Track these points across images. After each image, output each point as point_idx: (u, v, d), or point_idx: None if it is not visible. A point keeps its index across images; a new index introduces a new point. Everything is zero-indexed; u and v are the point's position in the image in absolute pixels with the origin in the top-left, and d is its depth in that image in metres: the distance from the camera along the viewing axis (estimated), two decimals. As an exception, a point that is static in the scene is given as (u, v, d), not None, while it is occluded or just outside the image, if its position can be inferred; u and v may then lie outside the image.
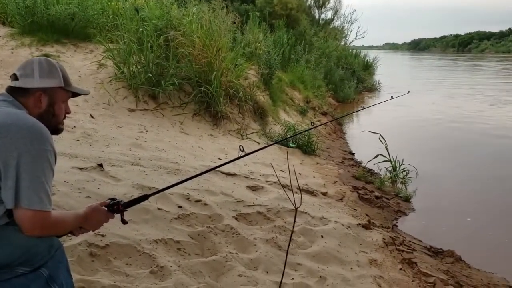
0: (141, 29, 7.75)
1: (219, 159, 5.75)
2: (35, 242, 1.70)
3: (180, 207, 3.67)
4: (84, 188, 3.58)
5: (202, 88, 7.51)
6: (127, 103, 6.91)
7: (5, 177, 1.61)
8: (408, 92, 6.02)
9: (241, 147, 2.51)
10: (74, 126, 5.47)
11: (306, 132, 7.39)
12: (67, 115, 1.95)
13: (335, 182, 6.12)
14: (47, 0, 8.41)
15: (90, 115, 6.18)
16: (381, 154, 7.21)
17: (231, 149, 6.40)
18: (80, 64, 7.62)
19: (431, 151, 9.38)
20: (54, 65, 1.85)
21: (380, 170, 7.20)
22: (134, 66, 7.30)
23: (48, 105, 1.83)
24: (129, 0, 9.71)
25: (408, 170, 6.99)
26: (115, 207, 1.98)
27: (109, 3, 9.56)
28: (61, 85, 1.85)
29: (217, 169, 4.93)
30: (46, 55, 7.15)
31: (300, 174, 6.04)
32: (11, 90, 1.81)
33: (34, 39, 8.09)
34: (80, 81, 6.88)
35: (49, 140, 1.72)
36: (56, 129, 1.89)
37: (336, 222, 4.27)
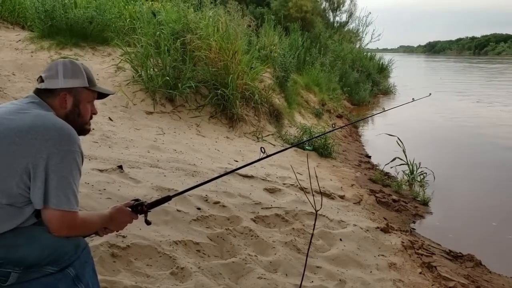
0: (158, 33, 7.82)
1: (236, 161, 5.76)
2: (62, 242, 1.72)
3: (199, 208, 3.69)
4: (104, 189, 3.61)
5: (219, 91, 7.54)
6: (145, 106, 6.98)
7: (34, 178, 1.64)
8: (430, 94, 5.96)
9: (262, 149, 2.52)
10: (93, 128, 5.52)
11: (323, 134, 7.37)
12: (93, 115, 1.99)
13: (352, 185, 6.09)
14: (66, 4, 8.53)
15: (109, 117, 6.25)
16: (398, 157, 7.15)
17: (247, 151, 6.42)
18: (98, 67, 7.70)
19: (448, 153, 9.28)
20: (78, 66, 1.89)
21: (397, 173, 7.14)
22: (151, 69, 7.37)
23: (73, 105, 1.86)
24: (146, 4, 9.82)
25: (425, 173, 6.92)
26: (139, 208, 2.00)
27: (126, 7, 9.67)
28: (85, 85, 1.89)
29: (235, 171, 4.96)
30: (65, 58, 7.25)
31: (317, 177, 6.02)
32: (38, 92, 1.84)
33: (53, 42, 8.21)
34: (98, 84, 6.95)
35: (76, 141, 1.75)
36: (83, 129, 1.92)
37: (355, 225, 4.24)
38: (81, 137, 1.86)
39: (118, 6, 9.68)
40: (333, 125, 4.02)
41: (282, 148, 3.27)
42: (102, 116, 6.20)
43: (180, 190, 2.32)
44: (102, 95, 2.04)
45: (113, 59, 8.07)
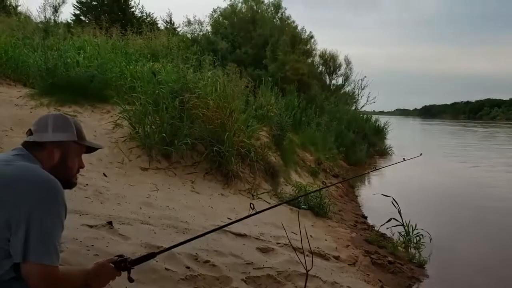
0: (157, 91, 7.99)
1: (229, 218, 5.68)
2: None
3: (188, 267, 3.60)
4: (93, 245, 3.54)
5: (215, 148, 7.59)
6: (140, 162, 6.99)
7: (16, 231, 1.62)
8: (421, 154, 6.03)
9: (251, 205, 2.50)
10: (87, 184, 5.50)
11: (318, 193, 7.34)
12: (80, 169, 1.99)
13: (347, 246, 5.98)
14: (68, 63, 8.78)
15: (103, 173, 6.24)
16: (394, 218, 7.08)
17: (241, 209, 6.34)
18: (96, 124, 7.80)
19: (445, 215, 9.24)
20: (68, 120, 1.91)
21: (393, 234, 7.04)
22: (148, 127, 7.44)
23: (61, 158, 1.86)
24: (147, 64, 10.12)
25: (422, 235, 6.83)
26: (122, 264, 1.96)
27: (128, 67, 9.96)
28: (74, 139, 1.90)
29: (227, 229, 4.89)
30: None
31: (311, 236, 5.93)
32: (26, 145, 1.86)
33: (53, 99, 8.36)
34: (95, 140, 7.00)
35: (60, 195, 1.74)
36: (69, 183, 1.92)
37: (349, 287, 4.12)
38: (66, 191, 1.85)
39: (120, 66, 9.97)
40: (324, 183, 4.02)
41: (271, 205, 3.24)
42: (97, 172, 6.19)
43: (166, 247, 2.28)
44: (91, 149, 2.05)
45: (111, 116, 8.18)
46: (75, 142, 1.92)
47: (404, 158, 5.00)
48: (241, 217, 2.60)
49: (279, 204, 3.66)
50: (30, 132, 1.88)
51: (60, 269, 1.71)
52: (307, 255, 3.18)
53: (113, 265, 1.94)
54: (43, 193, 1.68)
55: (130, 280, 1.98)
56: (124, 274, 1.98)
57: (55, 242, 1.68)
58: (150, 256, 2.09)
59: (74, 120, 1.97)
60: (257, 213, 2.51)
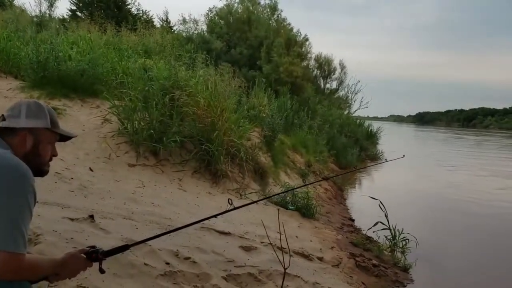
0: (147, 88, 7.95)
1: (215, 217, 5.65)
2: (4, 286, 1.63)
3: (167, 263, 3.57)
4: (72, 238, 3.50)
5: (204, 146, 7.56)
6: (128, 158, 6.95)
7: (-18, 217, 1.58)
8: (403, 156, 6.05)
9: (229, 201, 2.48)
10: (72, 178, 5.46)
11: (306, 194, 7.34)
12: (53, 157, 1.96)
13: (332, 247, 5.96)
14: (59, 57, 8.71)
15: (89, 168, 6.19)
16: (380, 222, 7.07)
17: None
18: (85, 118, 7.75)
19: (433, 220, 9.28)
20: (42, 107, 1.88)
21: (379, 238, 7.03)
22: (137, 123, 7.39)
23: (33, 145, 1.83)
24: (139, 60, 10.08)
25: (408, 239, 6.83)
26: (94, 255, 1.92)
27: (120, 63, 9.90)
28: (47, 126, 1.87)
29: (211, 227, 4.87)
30: (53, 108, 7.29)
31: (297, 237, 5.92)
32: None
33: (43, 92, 8.30)
34: (83, 135, 6.96)
35: (30, 181, 1.70)
36: (40, 170, 1.88)
37: (330, 288, 4.11)
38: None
39: (112, 61, 9.91)
40: (304, 181, 4.01)
41: (249, 202, 3.20)
42: (83, 166, 6.14)
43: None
44: (65, 138, 2.02)
45: (101, 111, 8.13)
46: (48, 129, 1.89)
47: (386, 159, 5.02)
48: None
49: (257, 201, 3.64)
50: (2, 118, 1.84)
51: (27, 257, 1.67)
52: (286, 253, 3.16)
53: (84, 256, 1.90)
54: (12, 180, 1.64)
55: (101, 271, 1.95)
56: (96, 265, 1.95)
57: (22, 229, 1.64)
58: (123, 248, 2.05)
59: (48, 107, 1.93)
60: (235, 208, 2.49)
